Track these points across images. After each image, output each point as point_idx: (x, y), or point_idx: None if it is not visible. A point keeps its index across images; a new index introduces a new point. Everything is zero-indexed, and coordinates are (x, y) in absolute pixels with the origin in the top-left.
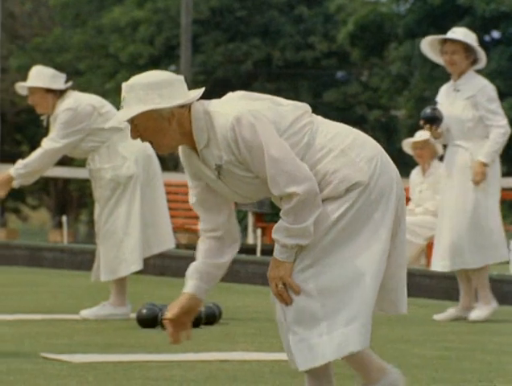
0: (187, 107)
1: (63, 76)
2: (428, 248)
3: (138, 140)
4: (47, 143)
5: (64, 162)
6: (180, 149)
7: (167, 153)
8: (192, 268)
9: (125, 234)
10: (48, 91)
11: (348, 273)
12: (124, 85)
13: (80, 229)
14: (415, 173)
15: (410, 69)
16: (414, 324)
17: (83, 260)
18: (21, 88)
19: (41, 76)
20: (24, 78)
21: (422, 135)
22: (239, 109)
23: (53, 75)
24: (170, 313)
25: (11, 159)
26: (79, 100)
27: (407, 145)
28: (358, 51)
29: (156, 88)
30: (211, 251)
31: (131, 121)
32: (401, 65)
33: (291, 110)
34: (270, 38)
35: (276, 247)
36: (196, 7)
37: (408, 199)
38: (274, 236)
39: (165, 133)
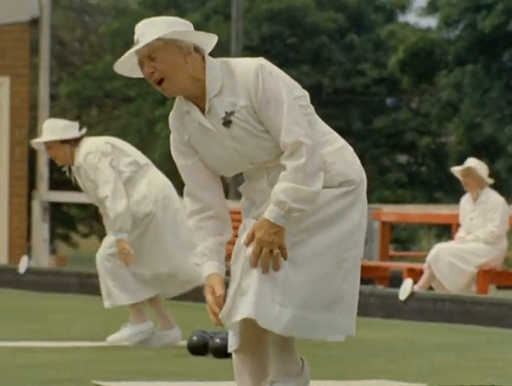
0: (200, 54)
1: (75, 125)
2: (478, 275)
3: (158, 179)
4: (103, 190)
5: None
6: (172, 113)
7: (173, 95)
8: (205, 249)
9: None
10: (64, 142)
11: (327, 263)
12: (141, 23)
13: None
14: (465, 200)
15: (461, 96)
16: (465, 351)
17: None
18: (37, 144)
19: (54, 129)
20: (74, 105)
21: (469, 162)
22: (261, 59)
23: (66, 125)
24: (220, 291)
25: (60, 187)
26: (96, 143)
27: (456, 172)
28: (408, 78)
29: (176, 25)
30: (216, 230)
31: (147, 55)
32: (451, 92)
33: (299, 87)
34: (320, 65)
35: (276, 210)
36: (246, 34)
37: (458, 226)
38: (280, 197)
39: (180, 70)
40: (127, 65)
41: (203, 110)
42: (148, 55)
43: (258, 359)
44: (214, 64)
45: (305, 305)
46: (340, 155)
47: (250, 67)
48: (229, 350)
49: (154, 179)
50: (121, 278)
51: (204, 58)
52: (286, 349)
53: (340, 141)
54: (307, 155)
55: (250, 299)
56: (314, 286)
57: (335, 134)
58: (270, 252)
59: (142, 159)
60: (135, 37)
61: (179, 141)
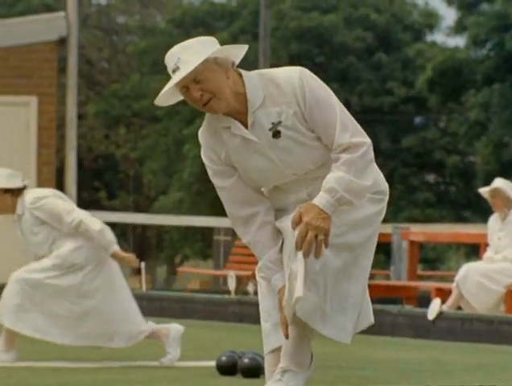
0: (236, 70)
1: (19, 175)
2: (507, 295)
3: None
4: (72, 217)
5: (142, 208)
6: (204, 133)
7: (219, 113)
8: (268, 263)
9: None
10: (6, 191)
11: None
12: (174, 51)
13: (159, 275)
14: (493, 219)
15: (488, 115)
16: (495, 371)
17: (162, 306)
18: None
19: None
20: (101, 124)
21: (496, 183)
22: (299, 67)
23: (9, 175)
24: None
25: (89, 206)
26: (43, 191)
27: (483, 193)
28: (436, 97)
29: (211, 44)
30: (271, 239)
31: (192, 79)
32: (479, 111)
33: None
34: (348, 83)
35: (326, 198)
36: (274, 53)
37: (486, 245)
38: (332, 185)
39: (225, 87)
40: (166, 95)
41: (244, 124)
42: (193, 79)
43: None
44: (252, 76)
45: (325, 298)
46: (374, 168)
47: (293, 74)
48: (267, 350)
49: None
50: (24, 307)
51: (240, 73)
52: (305, 337)
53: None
54: (363, 151)
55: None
56: (333, 280)
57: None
58: (315, 237)
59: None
60: (172, 65)
61: (216, 160)
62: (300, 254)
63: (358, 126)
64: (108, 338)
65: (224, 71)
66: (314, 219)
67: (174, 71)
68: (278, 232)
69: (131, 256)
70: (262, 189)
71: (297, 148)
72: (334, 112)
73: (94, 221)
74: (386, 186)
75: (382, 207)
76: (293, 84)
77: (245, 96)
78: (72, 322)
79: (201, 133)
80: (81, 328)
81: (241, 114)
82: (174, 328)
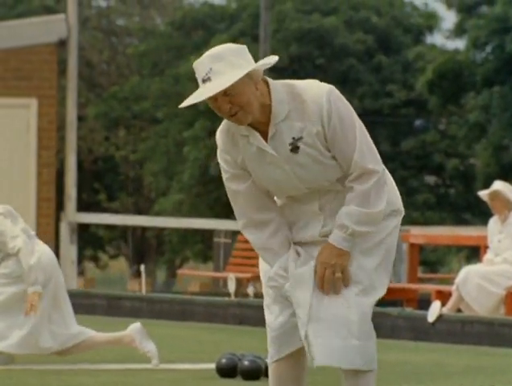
0: (263, 78)
1: None
2: (507, 297)
3: (47, 251)
4: (14, 244)
5: (142, 210)
6: (222, 136)
7: (247, 124)
8: (281, 271)
9: None
10: None
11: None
12: (206, 58)
13: (159, 277)
14: (493, 221)
15: (488, 117)
16: (495, 373)
17: (162, 309)
18: None
19: None
20: (101, 126)
21: (495, 186)
22: (328, 85)
23: None
24: None
25: (89, 208)
26: None
27: (483, 196)
28: (436, 99)
29: (243, 54)
30: (283, 246)
31: (222, 92)
32: (479, 113)
33: None
34: (348, 85)
35: (338, 234)
36: (274, 55)
37: (486, 248)
38: (343, 222)
39: (254, 99)
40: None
41: (263, 134)
42: (224, 92)
43: (298, 369)
44: (278, 88)
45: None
46: (390, 184)
47: (321, 92)
48: (269, 361)
49: (44, 251)
50: None
51: (267, 82)
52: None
53: (384, 168)
54: (375, 180)
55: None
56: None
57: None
58: (333, 274)
59: (30, 230)
60: (202, 74)
61: (232, 163)
62: (325, 300)
63: (375, 152)
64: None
65: (254, 83)
66: (329, 257)
67: (204, 81)
68: (290, 239)
69: (35, 308)
70: (275, 198)
71: (314, 165)
72: (354, 137)
73: (31, 255)
74: (400, 202)
75: (397, 226)
76: (320, 103)
77: (270, 108)
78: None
79: (219, 135)
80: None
81: (262, 124)
82: (134, 329)
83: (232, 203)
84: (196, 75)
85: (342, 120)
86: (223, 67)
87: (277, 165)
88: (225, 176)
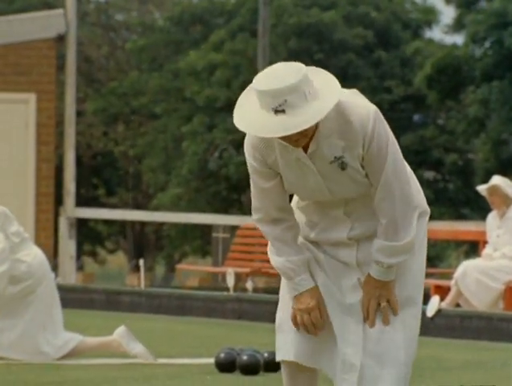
0: None
1: None
2: (506, 292)
3: (39, 254)
4: None
5: (140, 205)
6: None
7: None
8: (301, 262)
9: None
10: None
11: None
12: (280, 86)
13: (158, 272)
14: (492, 217)
15: (487, 112)
16: (493, 368)
17: (160, 303)
18: None
19: None
20: (100, 121)
21: (494, 180)
22: (372, 106)
23: None
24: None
25: (87, 203)
26: None
27: (482, 191)
28: (435, 94)
29: (309, 77)
30: (296, 238)
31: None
32: (478, 108)
33: None
34: (347, 81)
35: (376, 268)
36: (273, 49)
37: (485, 243)
38: (377, 257)
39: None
40: (255, 121)
41: (304, 147)
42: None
43: (311, 371)
44: None
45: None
46: (415, 184)
47: (368, 116)
48: (281, 358)
49: (35, 255)
50: None
51: None
52: None
53: (408, 168)
54: (399, 204)
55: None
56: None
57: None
58: (378, 304)
59: (24, 233)
60: (274, 104)
61: (261, 162)
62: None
63: (407, 181)
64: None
65: None
66: (372, 290)
67: (277, 112)
68: (301, 244)
69: None
70: (298, 199)
71: (348, 182)
72: (386, 162)
73: (1, 263)
74: (426, 203)
75: (426, 226)
76: (365, 126)
77: (317, 123)
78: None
79: (250, 135)
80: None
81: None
82: (119, 334)
83: (252, 196)
84: (263, 100)
85: (381, 146)
86: (298, 100)
87: (311, 175)
88: (250, 170)
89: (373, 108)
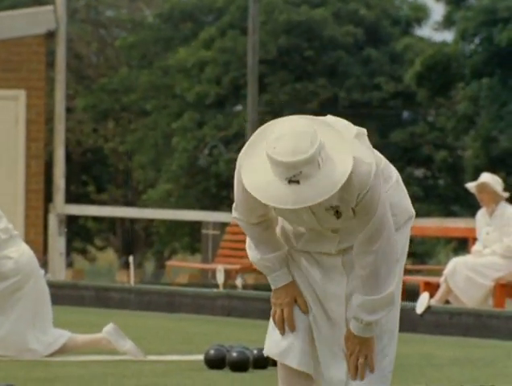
0: None
1: None
2: (495, 289)
3: (27, 251)
4: None
5: (130, 202)
6: (251, 159)
7: None
8: (276, 259)
9: None
10: None
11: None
12: (301, 161)
13: (147, 269)
14: (481, 214)
15: (477, 109)
16: (482, 365)
17: (150, 300)
18: None
19: None
20: (90, 118)
21: (483, 178)
22: (373, 161)
23: None
24: (304, 303)
25: (77, 200)
26: None
27: (471, 188)
28: (424, 92)
29: (322, 146)
30: (274, 237)
31: None
32: (467, 105)
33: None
34: (336, 78)
35: (356, 324)
36: (263, 47)
37: (475, 240)
38: (357, 314)
39: None
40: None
41: None
42: None
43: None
44: None
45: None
46: (400, 187)
47: (369, 174)
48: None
49: (23, 252)
50: None
51: None
52: None
53: (392, 168)
54: (375, 256)
55: None
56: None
57: (383, 161)
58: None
59: (13, 230)
60: (289, 174)
61: (254, 200)
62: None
63: (388, 241)
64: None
65: None
66: (352, 344)
67: (290, 182)
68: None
69: None
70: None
71: (341, 221)
72: (374, 216)
73: None
74: (411, 206)
75: (409, 230)
76: (364, 184)
77: None
78: None
79: (244, 158)
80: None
81: None
82: (108, 332)
83: (235, 196)
84: (275, 167)
85: (371, 203)
86: (312, 170)
87: (307, 215)
88: (240, 187)
89: (374, 164)
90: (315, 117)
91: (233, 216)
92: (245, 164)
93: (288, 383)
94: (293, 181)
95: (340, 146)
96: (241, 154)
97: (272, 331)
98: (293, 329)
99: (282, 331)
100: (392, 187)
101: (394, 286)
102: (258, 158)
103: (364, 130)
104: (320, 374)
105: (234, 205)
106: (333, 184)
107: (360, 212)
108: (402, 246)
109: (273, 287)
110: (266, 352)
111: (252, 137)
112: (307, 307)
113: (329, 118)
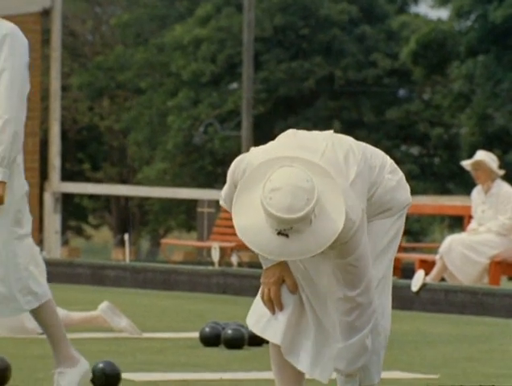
0: None
1: None
2: (491, 266)
3: None
4: None
5: (126, 180)
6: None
7: None
8: None
9: None
10: None
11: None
12: (294, 218)
13: (143, 247)
14: (476, 192)
15: (472, 87)
16: (478, 342)
17: (145, 278)
18: None
19: None
20: (85, 96)
21: (478, 155)
22: (358, 216)
23: None
24: (293, 284)
25: (72, 178)
26: None
27: (466, 166)
28: (420, 69)
29: (318, 201)
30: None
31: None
32: (463, 83)
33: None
34: (332, 56)
35: (339, 378)
36: (258, 25)
37: (470, 217)
38: (336, 366)
39: None
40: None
41: None
42: None
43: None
44: None
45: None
46: (401, 187)
47: (348, 233)
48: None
49: None
50: None
51: None
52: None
53: (386, 159)
54: (359, 311)
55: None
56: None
57: (377, 152)
58: None
59: None
60: (280, 226)
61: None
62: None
63: (365, 280)
64: None
65: None
66: None
67: (280, 234)
68: None
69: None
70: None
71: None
72: (349, 257)
73: None
74: (409, 193)
75: (403, 217)
76: (347, 233)
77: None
78: None
79: (239, 193)
80: None
81: None
82: (103, 310)
83: (224, 193)
84: (268, 217)
85: (348, 251)
86: (303, 226)
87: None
88: (231, 189)
89: (358, 221)
90: (315, 162)
91: (221, 203)
92: (239, 201)
93: (278, 360)
94: (282, 233)
95: (334, 201)
96: (239, 187)
97: (255, 306)
98: (280, 308)
99: (272, 311)
100: (392, 187)
101: (369, 328)
102: (253, 198)
103: (371, 163)
104: (307, 352)
105: (223, 195)
106: (320, 244)
107: (338, 250)
108: (398, 228)
109: (264, 267)
110: (249, 327)
111: (253, 172)
112: (296, 287)
113: (337, 138)
